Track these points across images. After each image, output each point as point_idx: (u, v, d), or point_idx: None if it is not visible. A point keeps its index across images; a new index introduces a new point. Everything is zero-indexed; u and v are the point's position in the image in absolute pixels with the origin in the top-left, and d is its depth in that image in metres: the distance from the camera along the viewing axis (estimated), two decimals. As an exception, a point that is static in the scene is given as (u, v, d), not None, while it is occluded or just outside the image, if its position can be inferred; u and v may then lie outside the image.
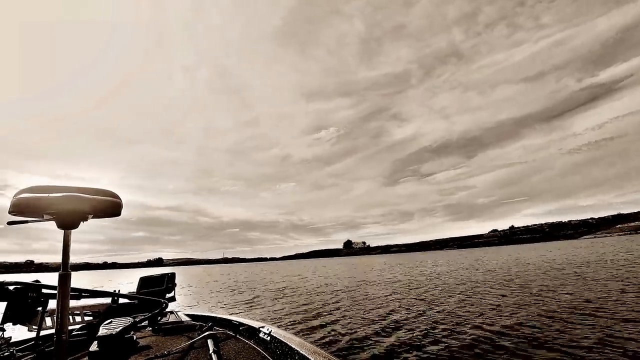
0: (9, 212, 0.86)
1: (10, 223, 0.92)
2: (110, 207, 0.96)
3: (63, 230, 0.91)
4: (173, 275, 2.14)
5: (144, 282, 2.00)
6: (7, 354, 1.19)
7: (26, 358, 1.24)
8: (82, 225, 0.93)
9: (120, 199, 1.01)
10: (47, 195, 0.86)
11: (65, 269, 0.91)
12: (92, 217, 0.95)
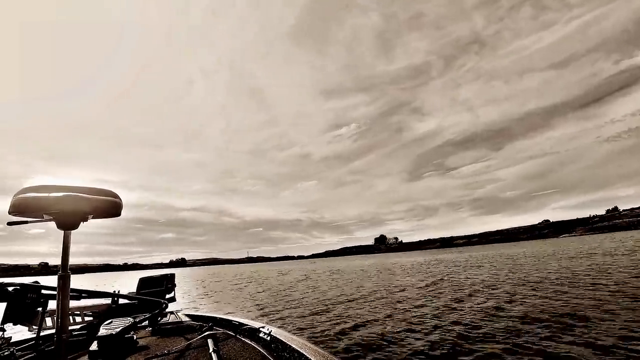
0: (9, 213, 0.92)
1: (10, 224, 0.98)
2: (110, 207, 1.01)
3: (63, 231, 0.96)
4: (172, 275, 2.37)
5: (143, 282, 2.17)
6: (7, 353, 1.29)
7: (26, 357, 1.34)
8: (83, 226, 0.98)
9: (120, 198, 1.06)
10: (47, 195, 0.91)
11: (64, 270, 0.96)
12: (92, 218, 1.00)
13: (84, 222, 0.99)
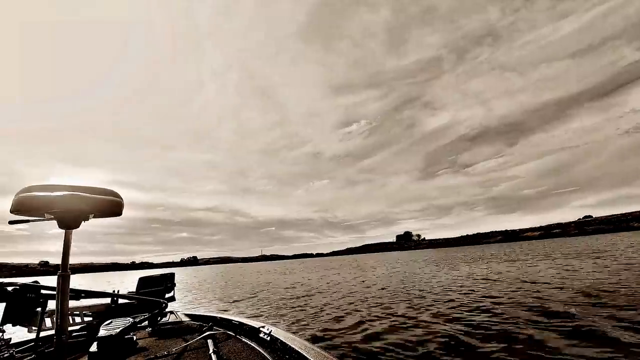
0: (11, 212, 0.99)
1: (12, 222, 1.07)
2: (111, 206, 1.09)
3: (64, 230, 1.04)
4: (172, 275, 2.56)
5: (143, 282, 2.38)
6: (6, 355, 1.38)
7: (26, 359, 1.44)
8: (83, 225, 1.06)
9: (121, 198, 1.14)
10: (48, 194, 0.98)
11: (64, 269, 1.05)
12: (94, 217, 1.09)
13: (85, 222, 1.07)
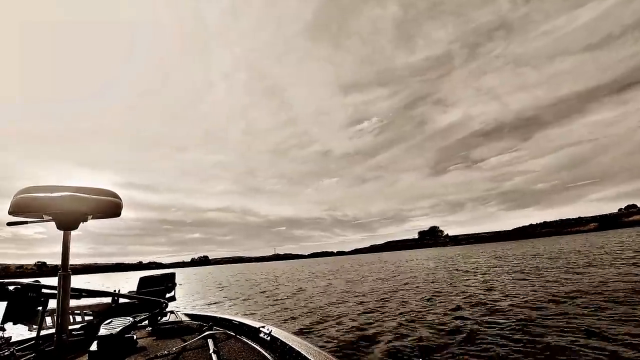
0: (9, 213, 1.06)
1: (10, 224, 1.14)
2: (110, 207, 1.16)
3: (63, 232, 1.11)
4: (173, 275, 2.75)
5: (143, 282, 2.58)
6: (7, 353, 1.47)
7: (26, 357, 1.52)
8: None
9: (120, 198, 1.20)
10: (46, 195, 1.05)
11: (65, 269, 1.13)
12: (92, 218, 1.16)
13: (84, 223, 1.14)
